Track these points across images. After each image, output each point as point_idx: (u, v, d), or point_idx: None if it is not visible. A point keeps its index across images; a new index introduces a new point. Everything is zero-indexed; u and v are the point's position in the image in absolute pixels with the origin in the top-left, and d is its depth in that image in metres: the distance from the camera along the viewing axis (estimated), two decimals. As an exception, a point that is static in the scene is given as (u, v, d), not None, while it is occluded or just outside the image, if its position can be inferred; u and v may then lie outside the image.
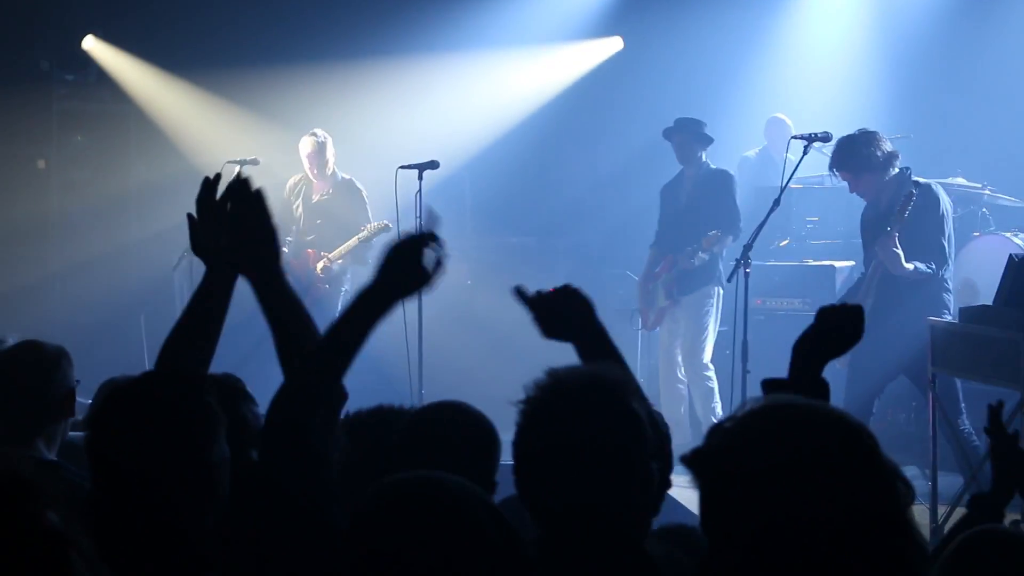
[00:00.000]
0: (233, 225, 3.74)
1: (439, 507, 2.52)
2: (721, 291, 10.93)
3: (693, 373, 11.01)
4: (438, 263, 3.28)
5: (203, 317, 3.79)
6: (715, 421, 10.96)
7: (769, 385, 3.11)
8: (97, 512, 3.18)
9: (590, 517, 2.97)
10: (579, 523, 2.97)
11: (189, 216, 3.86)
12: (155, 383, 3.40)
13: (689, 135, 11.01)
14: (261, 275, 3.66)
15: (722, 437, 2.27)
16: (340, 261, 11.44)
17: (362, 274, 11.42)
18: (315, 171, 11.54)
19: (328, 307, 11.46)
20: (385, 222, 11.15)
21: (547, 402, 3.03)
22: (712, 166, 11.15)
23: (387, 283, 3.29)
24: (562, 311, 3.72)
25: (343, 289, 11.55)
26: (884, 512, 2.17)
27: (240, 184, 3.85)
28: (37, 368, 4.90)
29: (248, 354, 12.63)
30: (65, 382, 4.93)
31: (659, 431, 3.15)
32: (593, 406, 3.01)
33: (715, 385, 10.82)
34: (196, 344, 3.76)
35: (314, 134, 11.55)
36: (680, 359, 11.08)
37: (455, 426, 4.01)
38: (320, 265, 11.44)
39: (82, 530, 2.81)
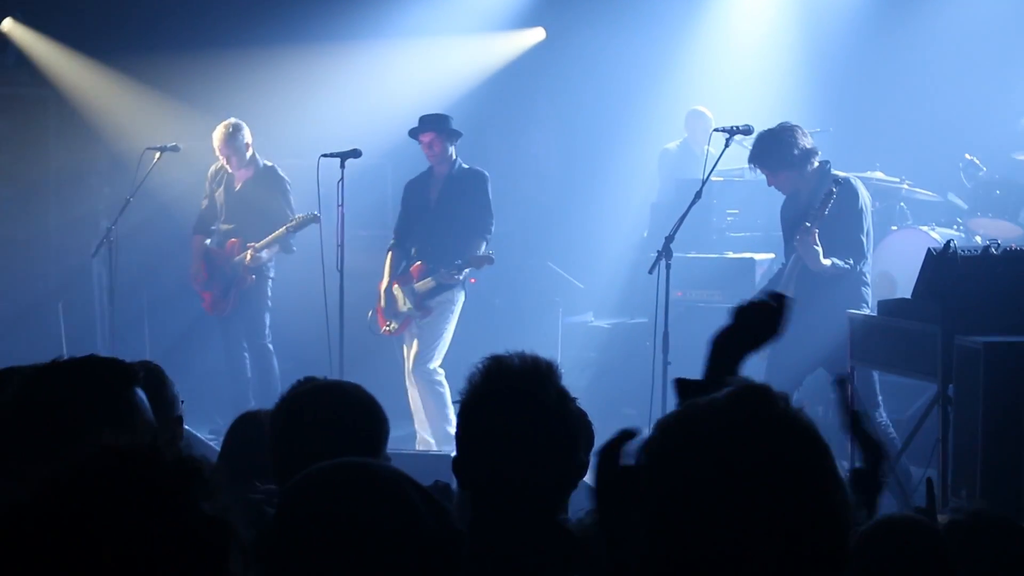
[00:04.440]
0: None
1: (369, 489, 2.55)
2: (463, 296, 10.65)
3: (422, 377, 10.51)
4: None
5: None
6: (449, 430, 10.66)
7: (683, 385, 3.08)
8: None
9: (522, 494, 3.19)
10: (511, 498, 3.18)
11: None
12: (75, 369, 3.34)
13: (438, 132, 10.56)
14: None
15: (659, 447, 2.23)
16: (267, 251, 11.27)
17: (285, 261, 11.38)
18: (232, 161, 11.37)
19: (257, 297, 11.37)
20: (315, 212, 11.06)
21: (491, 386, 3.24)
22: (464, 165, 10.72)
23: None
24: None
25: (269, 277, 11.44)
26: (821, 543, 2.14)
27: None
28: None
29: (174, 343, 12.64)
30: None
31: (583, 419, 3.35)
32: (535, 391, 3.23)
33: (446, 390, 10.34)
34: None
35: (225, 125, 11.35)
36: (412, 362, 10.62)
37: (338, 407, 3.98)
38: (248, 255, 11.27)
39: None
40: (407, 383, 10.59)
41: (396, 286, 10.62)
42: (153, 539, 2.15)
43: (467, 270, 10.46)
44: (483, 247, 10.50)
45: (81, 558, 2.11)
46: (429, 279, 10.48)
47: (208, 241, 11.54)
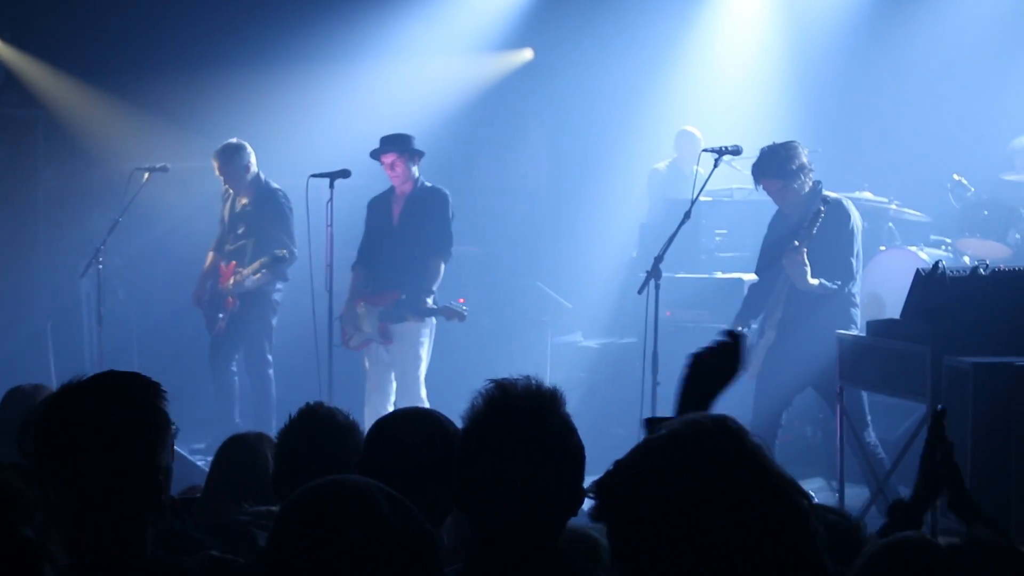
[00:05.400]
0: None
1: (340, 512, 2.72)
2: (434, 322, 10.48)
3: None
4: None
5: None
6: None
7: (651, 423, 3.11)
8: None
9: (521, 520, 3.16)
10: (510, 524, 3.15)
11: None
12: (110, 383, 3.38)
13: (400, 152, 10.43)
14: None
15: (620, 473, 2.31)
16: (257, 276, 11.20)
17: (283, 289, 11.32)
18: (232, 183, 11.35)
19: (251, 322, 11.28)
20: (283, 251, 11.03)
21: (494, 411, 3.20)
22: (427, 184, 10.58)
23: None
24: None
25: (272, 302, 11.38)
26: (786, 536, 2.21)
27: None
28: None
29: (164, 364, 12.61)
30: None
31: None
32: (539, 418, 3.19)
33: None
34: None
35: (223, 146, 11.28)
36: (394, 391, 10.47)
37: (417, 432, 4.03)
38: (232, 281, 11.26)
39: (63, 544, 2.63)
40: (367, 396, 10.47)
41: (362, 304, 10.51)
42: None
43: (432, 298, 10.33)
44: (441, 267, 10.40)
45: None
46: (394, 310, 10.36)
47: (222, 263, 11.48)
